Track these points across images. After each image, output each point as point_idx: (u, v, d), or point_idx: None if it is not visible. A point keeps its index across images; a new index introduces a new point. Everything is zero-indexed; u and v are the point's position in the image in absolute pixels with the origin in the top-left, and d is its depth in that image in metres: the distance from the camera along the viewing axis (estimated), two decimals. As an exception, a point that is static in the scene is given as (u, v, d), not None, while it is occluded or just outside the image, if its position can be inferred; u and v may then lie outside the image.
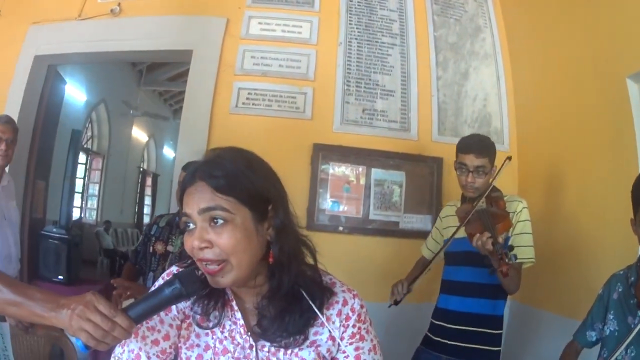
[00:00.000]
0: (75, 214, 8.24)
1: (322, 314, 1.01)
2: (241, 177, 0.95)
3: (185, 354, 1.05)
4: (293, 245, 1.01)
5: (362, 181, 3.10)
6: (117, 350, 1.05)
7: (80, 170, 8.42)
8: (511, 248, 1.85)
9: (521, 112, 3.34)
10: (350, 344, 1.04)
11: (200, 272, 0.98)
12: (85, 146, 8.82)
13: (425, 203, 3.16)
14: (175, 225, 2.57)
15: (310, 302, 1.00)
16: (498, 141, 3.32)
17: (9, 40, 3.71)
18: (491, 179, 2.14)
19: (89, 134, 9.16)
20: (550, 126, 2.94)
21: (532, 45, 3.24)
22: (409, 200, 3.12)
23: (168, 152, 12.86)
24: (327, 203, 3.07)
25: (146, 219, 11.02)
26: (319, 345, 1.03)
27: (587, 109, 2.57)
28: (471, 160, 2.08)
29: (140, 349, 1.02)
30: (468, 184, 2.09)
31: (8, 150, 2.51)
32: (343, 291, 1.06)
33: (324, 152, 3.06)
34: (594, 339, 1.75)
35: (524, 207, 2.09)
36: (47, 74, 3.53)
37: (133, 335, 1.02)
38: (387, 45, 3.33)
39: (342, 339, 1.04)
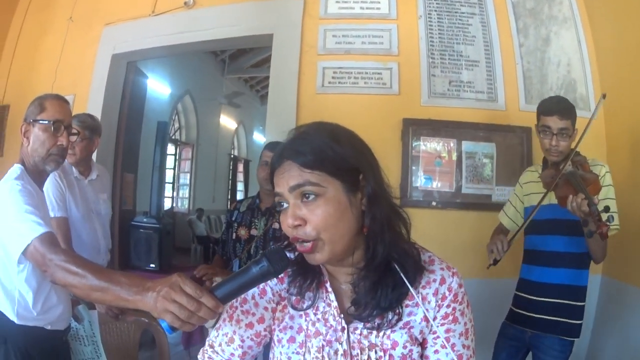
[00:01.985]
0: (167, 204, 8.43)
1: (414, 288, 0.97)
2: (327, 149, 0.92)
3: (278, 335, 1.04)
4: (387, 214, 0.97)
5: (454, 155, 3.04)
6: (212, 334, 1.06)
7: (170, 161, 8.57)
8: (607, 209, 1.75)
9: (605, 76, 3.20)
10: (442, 324, 0.99)
11: (291, 249, 0.98)
12: (173, 137, 8.98)
13: (517, 174, 3.01)
14: (256, 208, 2.56)
15: (402, 275, 0.95)
16: (584, 107, 3.22)
17: (84, 43, 3.80)
18: (579, 135, 2.05)
19: (177, 125, 9.31)
20: (635, 88, 2.82)
21: (611, 6, 3.11)
22: (500, 172, 3.04)
23: (258, 137, 12.84)
24: (420, 179, 3.02)
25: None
26: (412, 327, 0.99)
27: None
28: (555, 123, 2.01)
29: (234, 332, 1.03)
30: (552, 147, 2.03)
31: (77, 138, 2.42)
32: (442, 269, 1.00)
33: (414, 127, 3.01)
34: None
35: (607, 172, 2.04)
36: (127, 71, 3.60)
37: (228, 319, 1.04)
38: (466, 15, 3.24)
39: (434, 319, 0.98)
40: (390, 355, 0.97)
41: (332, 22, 3.18)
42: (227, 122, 11.09)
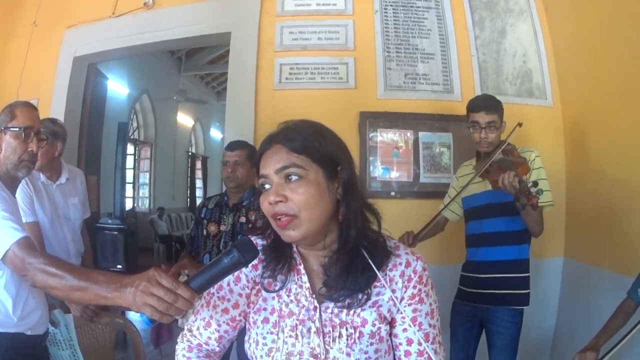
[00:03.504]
0: (128, 204, 8.43)
1: (382, 271, 1.05)
2: (313, 140, 1.03)
3: (253, 317, 1.11)
4: (359, 205, 1.07)
5: (411, 145, 3.10)
6: (191, 318, 1.15)
7: (130, 161, 8.58)
8: (535, 184, 1.95)
9: (561, 67, 3.28)
10: (409, 305, 1.07)
11: (264, 237, 1.11)
12: (132, 137, 8.98)
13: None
14: (224, 205, 2.66)
15: (369, 260, 1.04)
16: (540, 97, 3.30)
17: (47, 47, 3.82)
18: (506, 137, 2.27)
19: (135, 124, 9.32)
20: (591, 78, 2.91)
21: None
22: (458, 161, 3.09)
23: (215, 133, 12.95)
24: (377, 170, 3.08)
25: (199, 202, 11.26)
26: (380, 306, 1.06)
27: (626, 59, 2.53)
28: (482, 118, 2.23)
29: (211, 317, 1.12)
30: (482, 139, 2.24)
31: (43, 142, 2.50)
32: (407, 254, 1.10)
33: (371, 120, 3.06)
34: None
35: (536, 156, 2.23)
36: (88, 73, 3.62)
37: (205, 304, 1.12)
38: (422, 9, 3.30)
39: (401, 299, 1.06)
40: (360, 332, 1.05)
41: (289, 19, 3.21)
42: (184, 119, 11.15)
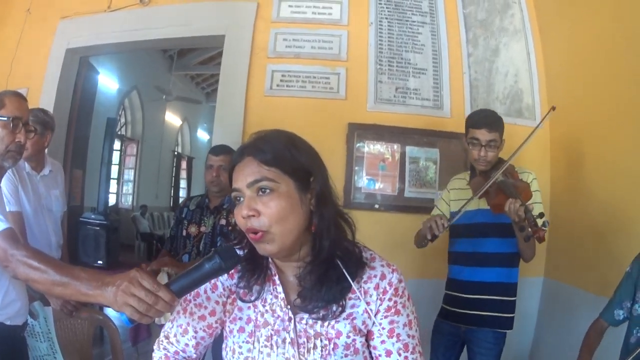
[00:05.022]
0: (112, 199, 8.40)
1: (356, 284, 1.05)
2: (285, 152, 1.03)
3: (229, 326, 1.12)
4: (332, 215, 1.07)
5: (397, 159, 3.11)
6: (167, 325, 1.15)
7: (116, 157, 8.55)
8: (541, 215, 1.91)
9: (552, 87, 3.31)
10: (386, 317, 1.06)
11: (240, 247, 1.10)
12: (119, 133, 8.93)
13: (457, 177, 3.17)
14: (205, 207, 2.68)
15: (344, 271, 1.04)
16: (530, 117, 3.33)
17: (40, 36, 3.79)
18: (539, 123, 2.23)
19: (123, 120, 9.28)
20: (582, 100, 2.93)
21: (561, 20, 3.21)
22: (443, 177, 3.12)
23: (202, 134, 12.92)
24: (363, 181, 3.09)
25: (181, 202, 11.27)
26: (354, 318, 1.06)
27: (618, 83, 2.55)
28: (483, 135, 2.15)
29: (188, 324, 1.12)
30: (481, 157, 2.17)
31: (32, 134, 2.50)
32: (382, 265, 1.09)
33: (359, 131, 3.07)
34: (621, 317, 1.77)
35: (534, 178, 2.19)
36: (80, 66, 3.60)
37: (182, 312, 1.13)
38: (417, 23, 3.32)
39: (377, 312, 1.06)
40: (335, 344, 1.05)
41: (283, 25, 3.22)
42: (172, 118, 11.13)
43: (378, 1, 3.32)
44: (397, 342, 1.07)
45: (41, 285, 1.35)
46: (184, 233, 2.68)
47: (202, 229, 2.64)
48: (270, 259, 1.10)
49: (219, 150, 2.64)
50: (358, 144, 3.07)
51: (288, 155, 1.03)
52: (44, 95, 3.43)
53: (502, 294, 2.19)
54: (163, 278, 2.59)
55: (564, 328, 2.77)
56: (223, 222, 2.56)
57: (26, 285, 1.75)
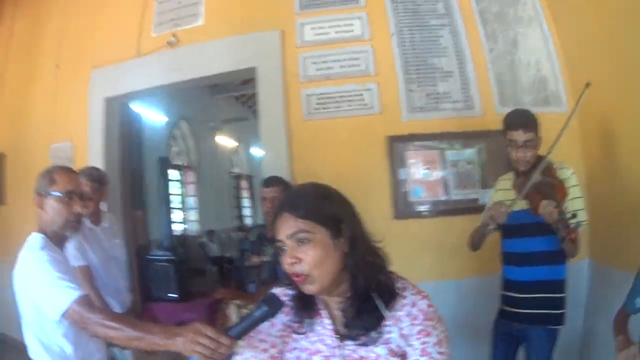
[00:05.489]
0: (178, 228, 8.52)
1: (390, 312, 1.20)
2: (316, 204, 1.21)
3: (287, 355, 1.28)
4: (365, 254, 1.23)
5: (438, 164, 3.22)
6: (237, 358, 1.30)
7: (175, 187, 8.77)
8: (574, 215, 1.97)
9: (573, 70, 3.34)
10: (418, 339, 1.19)
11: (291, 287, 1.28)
12: (175, 163, 9.09)
13: (501, 174, 3.25)
14: (264, 237, 2.84)
15: (378, 304, 1.20)
16: (556, 104, 3.39)
17: (75, 89, 3.94)
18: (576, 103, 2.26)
19: (176, 149, 9.41)
20: (606, 77, 2.88)
21: (574, 2, 3.23)
22: (485, 175, 3.22)
23: (256, 151, 12.68)
24: (409, 191, 3.19)
25: (247, 221, 11.47)
26: (390, 343, 1.20)
27: (636, 58, 2.56)
28: (520, 136, 2.21)
29: (253, 356, 1.28)
30: (519, 158, 2.24)
31: (88, 201, 2.63)
32: (413, 294, 1.23)
33: (398, 143, 3.17)
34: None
35: (572, 173, 2.25)
36: (122, 111, 3.71)
37: (246, 345, 1.29)
38: (436, 27, 3.39)
39: (410, 335, 1.19)
40: None
41: (310, 49, 3.31)
42: (225, 140, 11.23)
43: (395, 11, 3.39)
44: (429, 359, 1.19)
45: (119, 341, 1.60)
46: (248, 264, 2.85)
47: (264, 258, 2.80)
48: (317, 296, 1.27)
49: (270, 182, 2.77)
50: (399, 155, 3.18)
51: (319, 208, 1.20)
52: (91, 147, 3.56)
53: (550, 292, 2.26)
54: (232, 310, 2.84)
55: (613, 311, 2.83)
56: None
57: None
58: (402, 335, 1.19)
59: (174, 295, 3.87)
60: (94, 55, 3.76)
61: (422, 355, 1.19)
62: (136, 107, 4.14)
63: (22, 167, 4.52)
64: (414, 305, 1.21)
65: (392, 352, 1.20)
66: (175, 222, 8.05)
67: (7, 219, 4.59)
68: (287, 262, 1.20)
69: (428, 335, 1.19)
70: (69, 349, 1.79)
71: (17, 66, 4.75)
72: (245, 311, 2.73)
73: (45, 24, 4.56)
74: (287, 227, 1.20)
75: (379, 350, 1.20)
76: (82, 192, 1.98)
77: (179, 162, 9.39)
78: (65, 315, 1.63)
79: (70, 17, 4.29)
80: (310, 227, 1.18)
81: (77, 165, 3.79)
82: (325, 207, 1.22)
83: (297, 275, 1.19)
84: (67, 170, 1.96)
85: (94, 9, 4.16)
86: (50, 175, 1.88)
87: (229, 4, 3.53)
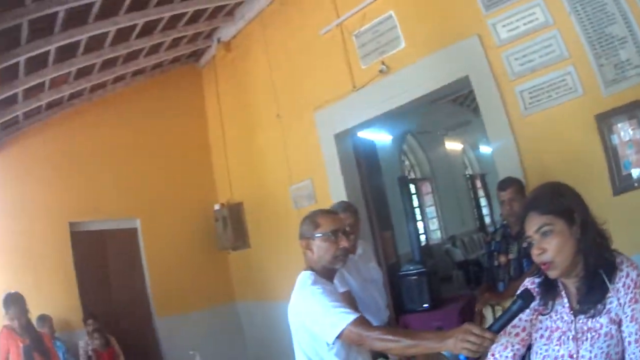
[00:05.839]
0: (422, 239, 8.74)
1: (612, 287, 1.42)
2: (552, 200, 1.49)
3: (534, 335, 1.58)
4: (594, 237, 1.47)
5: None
6: (492, 346, 1.55)
7: (414, 200, 8.99)
8: None
9: None
10: (629, 306, 1.40)
11: (539, 275, 1.57)
12: (409, 177, 9.36)
13: None
14: (508, 236, 3.12)
15: (605, 280, 1.43)
16: None
17: (301, 132, 4.32)
18: None
19: (407, 163, 9.68)
20: None
21: None
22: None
23: (484, 149, 12.56)
24: (622, 165, 3.28)
25: (487, 219, 11.66)
26: (610, 312, 1.42)
27: None
28: None
29: (507, 342, 1.58)
30: None
31: (351, 235, 2.92)
32: (627, 266, 1.45)
33: (604, 121, 3.33)
34: None
35: None
36: (351, 141, 3.84)
37: (502, 333, 1.55)
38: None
39: (624, 304, 1.41)
40: (599, 334, 1.43)
41: (508, 47, 3.51)
42: (453, 145, 11.31)
43: (563, -13, 3.53)
44: (635, 324, 1.39)
45: (396, 351, 1.87)
46: (496, 263, 3.15)
47: (510, 256, 3.10)
48: (557, 278, 1.54)
49: (504, 185, 3.03)
50: (609, 133, 3.34)
51: (555, 203, 1.46)
52: (330, 181, 3.74)
53: None
54: (487, 310, 3.08)
55: None
56: (525, 244, 3.05)
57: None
58: (619, 304, 1.40)
59: (426, 305, 4.27)
60: (312, 99, 3.76)
61: (631, 321, 1.39)
62: (363, 133, 4.22)
63: (258, 213, 5.02)
64: (627, 276, 1.42)
65: (612, 320, 1.41)
66: (420, 234, 8.29)
67: (251, 263, 5.12)
68: (535, 254, 1.46)
69: (636, 301, 1.40)
70: None
71: (234, 125, 5.20)
72: (498, 309, 2.96)
73: (251, 82, 4.98)
74: (534, 224, 1.46)
75: (602, 320, 1.42)
76: (344, 228, 2.24)
77: (413, 176, 9.77)
78: (340, 336, 1.84)
79: (278, 70, 4.66)
80: (550, 220, 1.44)
81: (319, 199, 4.01)
82: (561, 202, 1.46)
83: (544, 263, 1.44)
84: (329, 213, 2.20)
85: (300, 58, 4.47)
86: (314, 220, 2.11)
87: (420, 21, 3.57)
